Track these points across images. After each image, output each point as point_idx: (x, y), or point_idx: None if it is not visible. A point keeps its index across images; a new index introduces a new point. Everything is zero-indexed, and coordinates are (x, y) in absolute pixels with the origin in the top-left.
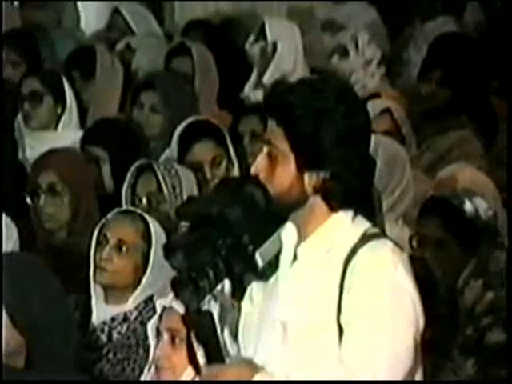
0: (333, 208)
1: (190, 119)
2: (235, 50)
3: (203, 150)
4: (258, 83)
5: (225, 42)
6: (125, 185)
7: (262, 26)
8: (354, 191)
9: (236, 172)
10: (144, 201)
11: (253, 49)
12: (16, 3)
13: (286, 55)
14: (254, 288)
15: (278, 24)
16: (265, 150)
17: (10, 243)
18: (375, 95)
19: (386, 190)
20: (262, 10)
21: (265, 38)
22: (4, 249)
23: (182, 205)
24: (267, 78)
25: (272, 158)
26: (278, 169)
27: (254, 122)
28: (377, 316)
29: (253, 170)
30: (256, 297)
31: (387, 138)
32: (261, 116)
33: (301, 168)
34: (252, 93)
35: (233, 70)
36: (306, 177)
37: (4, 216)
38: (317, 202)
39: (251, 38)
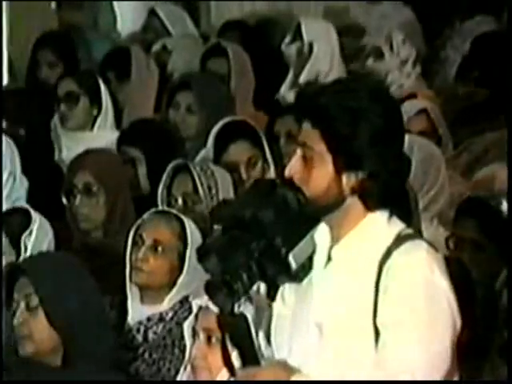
0: (369, 208)
1: (226, 120)
2: (271, 50)
3: (239, 151)
4: (294, 84)
5: (261, 43)
6: (161, 185)
7: (299, 27)
8: (391, 191)
9: (272, 173)
10: (180, 201)
11: (289, 49)
12: (53, 5)
13: (322, 56)
14: (286, 289)
15: (314, 24)
16: (299, 152)
17: (46, 243)
18: (411, 95)
19: (421, 190)
20: (298, 10)
21: (301, 38)
22: (40, 248)
23: (216, 208)
24: (303, 79)
25: (307, 160)
26: (315, 171)
27: (289, 122)
28: (413, 317)
29: (287, 173)
30: (288, 297)
31: (422, 137)
32: (296, 117)
33: (338, 169)
34: (288, 93)
35: (269, 71)
36: (344, 178)
37: (39, 216)
38: (353, 203)
39: (287, 39)
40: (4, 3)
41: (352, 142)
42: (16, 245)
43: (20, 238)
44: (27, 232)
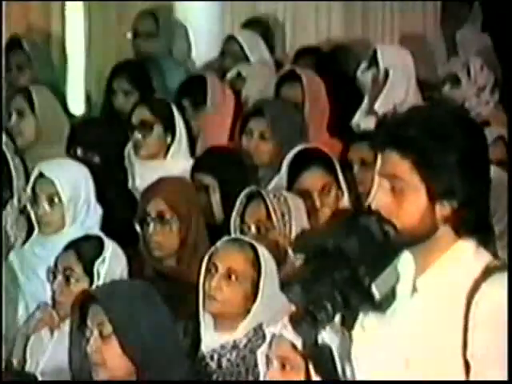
0: (461, 236)
1: (300, 147)
2: (346, 76)
3: (313, 178)
4: (369, 111)
5: (336, 69)
6: (234, 212)
7: (375, 53)
8: (482, 218)
9: (346, 200)
10: (253, 228)
11: (364, 76)
12: (129, 34)
13: (398, 83)
14: (366, 318)
15: (390, 51)
16: (387, 184)
17: (119, 270)
18: (486, 123)
19: (494, 217)
20: (373, 36)
21: (377, 65)
22: (113, 276)
23: (299, 237)
24: (378, 106)
25: (396, 192)
26: (407, 202)
27: (363, 149)
28: (505, 351)
29: (375, 206)
30: (368, 327)
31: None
32: (371, 144)
33: (432, 199)
34: (363, 120)
35: (343, 97)
36: (438, 207)
37: (113, 243)
38: (445, 232)
39: (363, 65)
40: (81, 33)
41: (445, 171)
42: (89, 272)
43: (93, 265)
44: (100, 259)
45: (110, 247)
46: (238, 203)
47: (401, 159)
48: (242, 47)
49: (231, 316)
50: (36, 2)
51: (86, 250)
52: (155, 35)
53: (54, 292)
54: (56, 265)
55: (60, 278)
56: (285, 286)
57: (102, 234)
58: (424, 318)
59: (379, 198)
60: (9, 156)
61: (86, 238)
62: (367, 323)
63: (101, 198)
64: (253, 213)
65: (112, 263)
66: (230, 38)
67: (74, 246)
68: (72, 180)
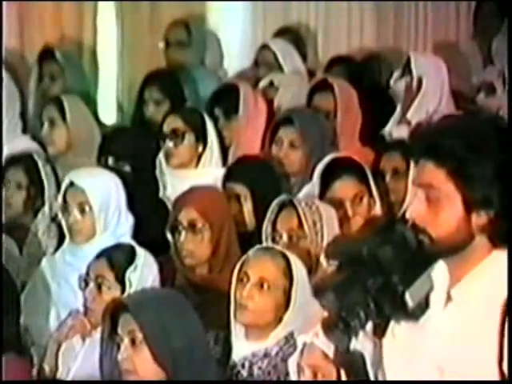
0: (497, 246)
1: (332, 156)
2: (378, 85)
3: (345, 187)
4: (402, 119)
5: (368, 78)
6: (265, 221)
7: (408, 61)
8: None
9: (378, 209)
10: (284, 237)
11: (397, 85)
12: (161, 44)
13: (432, 91)
14: (397, 326)
15: (423, 59)
16: (422, 194)
17: (150, 279)
18: None
19: None
20: (406, 45)
21: (410, 73)
22: (144, 284)
23: (332, 243)
24: (411, 115)
25: (432, 201)
26: (443, 212)
27: (396, 158)
28: None
29: (409, 215)
30: (399, 334)
31: None
32: (403, 153)
33: (468, 208)
34: (395, 129)
35: (376, 106)
36: (474, 217)
37: (145, 252)
38: (480, 242)
39: (396, 74)
40: (113, 42)
41: (481, 180)
42: (121, 280)
43: (125, 273)
44: (132, 267)
45: (142, 255)
46: (269, 211)
47: (437, 169)
48: (275, 56)
49: (263, 325)
50: (69, 12)
51: (117, 258)
52: (187, 44)
53: (85, 299)
54: (88, 272)
55: (92, 285)
56: (317, 292)
57: (133, 243)
58: (458, 328)
59: (415, 207)
60: (40, 164)
61: (118, 246)
62: (398, 331)
63: (132, 206)
64: (285, 221)
65: (144, 271)
66: (264, 47)
67: (105, 253)
68: (103, 189)
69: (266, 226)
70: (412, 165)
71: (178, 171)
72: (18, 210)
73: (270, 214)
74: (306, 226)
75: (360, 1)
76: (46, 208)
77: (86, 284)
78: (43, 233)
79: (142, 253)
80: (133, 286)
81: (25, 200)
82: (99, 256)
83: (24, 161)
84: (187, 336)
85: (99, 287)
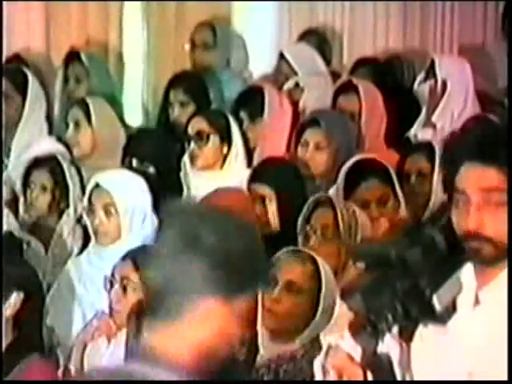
0: None
1: (357, 157)
2: (403, 87)
3: (370, 189)
4: (427, 122)
5: (392, 80)
6: (300, 216)
7: (432, 64)
8: None
9: (403, 211)
10: (318, 232)
11: (422, 87)
12: (187, 46)
13: (456, 93)
14: (425, 328)
15: (448, 61)
16: (478, 200)
17: None
18: None
19: None
20: (432, 47)
21: (435, 75)
22: None
23: (359, 245)
24: (436, 117)
25: (493, 206)
26: (504, 215)
27: (421, 161)
28: None
29: (472, 226)
30: (427, 337)
31: None
32: (428, 155)
33: None
34: (420, 132)
35: (400, 108)
36: None
37: None
38: None
39: (421, 76)
40: (139, 44)
41: None
42: None
43: None
44: None
45: None
46: (305, 208)
47: (497, 173)
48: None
49: (290, 328)
50: (95, 14)
51: (143, 259)
52: (213, 46)
53: (110, 301)
54: (113, 274)
55: (117, 287)
56: (344, 294)
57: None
58: (487, 331)
59: (477, 217)
60: (65, 166)
61: (144, 248)
62: (426, 335)
63: (156, 208)
64: (321, 218)
65: None
66: (281, 55)
67: (131, 255)
68: (128, 191)
69: (301, 222)
70: (456, 172)
71: (202, 173)
72: (43, 212)
73: (305, 211)
74: (341, 226)
75: (386, 0)
76: (71, 210)
77: (111, 285)
78: (68, 234)
79: None
80: None
81: (50, 202)
82: (124, 257)
83: (49, 163)
84: None
85: (124, 289)
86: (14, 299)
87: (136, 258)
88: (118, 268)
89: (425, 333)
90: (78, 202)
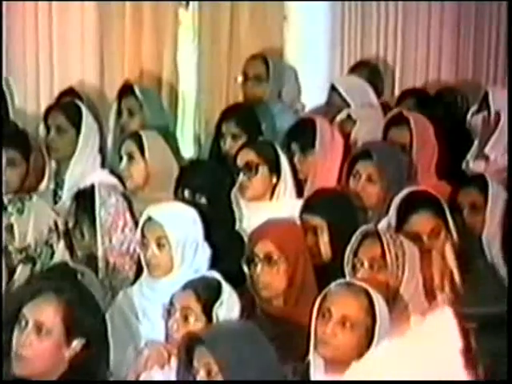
0: None
1: (408, 189)
2: (455, 119)
3: (422, 221)
4: (479, 154)
5: (442, 111)
6: (348, 249)
7: (485, 95)
8: None
9: (455, 244)
10: (366, 265)
11: (475, 119)
12: (239, 78)
13: (510, 126)
14: None
15: (501, 93)
16: None
17: (235, 313)
18: None
19: None
20: (485, 79)
21: (488, 107)
22: (226, 316)
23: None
24: (489, 149)
25: None
26: None
27: (474, 193)
28: None
29: None
30: None
31: None
32: (481, 188)
33: None
34: (473, 164)
35: (453, 140)
36: None
37: (229, 287)
38: None
39: (474, 108)
40: (193, 76)
41: None
42: (207, 312)
43: (212, 306)
44: (219, 302)
45: (227, 291)
46: (353, 239)
47: None
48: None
49: (343, 360)
50: (148, 47)
51: (204, 290)
52: (265, 79)
53: (167, 329)
54: (172, 303)
55: (177, 315)
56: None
57: (219, 277)
58: None
59: None
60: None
61: (204, 279)
62: None
63: (208, 238)
64: (368, 250)
65: (229, 306)
66: (332, 88)
67: (191, 285)
68: (180, 223)
69: (348, 254)
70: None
71: (252, 203)
72: (93, 243)
73: (353, 242)
74: (388, 258)
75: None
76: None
77: (169, 314)
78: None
79: (227, 288)
80: (219, 321)
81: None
82: (185, 287)
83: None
84: (262, 368)
85: (185, 318)
86: (75, 345)
87: (197, 288)
88: (177, 297)
89: None
90: (128, 233)
